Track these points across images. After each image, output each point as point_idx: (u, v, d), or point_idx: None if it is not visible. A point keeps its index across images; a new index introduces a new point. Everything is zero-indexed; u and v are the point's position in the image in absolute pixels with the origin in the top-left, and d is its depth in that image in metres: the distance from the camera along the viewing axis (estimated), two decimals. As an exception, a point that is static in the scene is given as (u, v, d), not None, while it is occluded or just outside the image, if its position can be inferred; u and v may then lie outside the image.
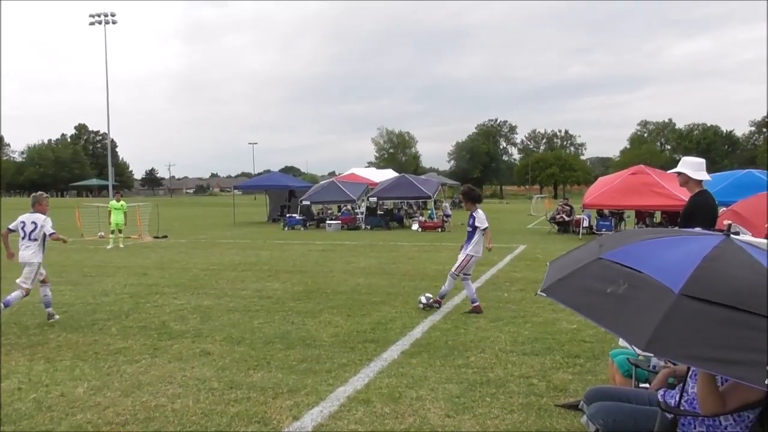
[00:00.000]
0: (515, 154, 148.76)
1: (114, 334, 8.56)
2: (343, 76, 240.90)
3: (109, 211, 22.67)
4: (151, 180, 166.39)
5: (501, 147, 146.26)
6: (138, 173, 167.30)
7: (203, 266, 15.66)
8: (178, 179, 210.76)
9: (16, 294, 8.75)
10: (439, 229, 29.13)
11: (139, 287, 12.43)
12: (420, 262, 16.45)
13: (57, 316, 9.39)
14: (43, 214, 9.17)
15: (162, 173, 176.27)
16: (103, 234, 26.70)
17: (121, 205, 23.06)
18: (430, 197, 31.77)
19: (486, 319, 9.26)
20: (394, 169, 58.87)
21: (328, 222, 31.15)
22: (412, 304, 10.26)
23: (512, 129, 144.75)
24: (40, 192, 9.60)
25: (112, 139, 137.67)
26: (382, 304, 10.42)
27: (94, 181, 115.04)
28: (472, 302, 9.59)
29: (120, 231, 22.59)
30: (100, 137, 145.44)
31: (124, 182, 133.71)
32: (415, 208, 38.84)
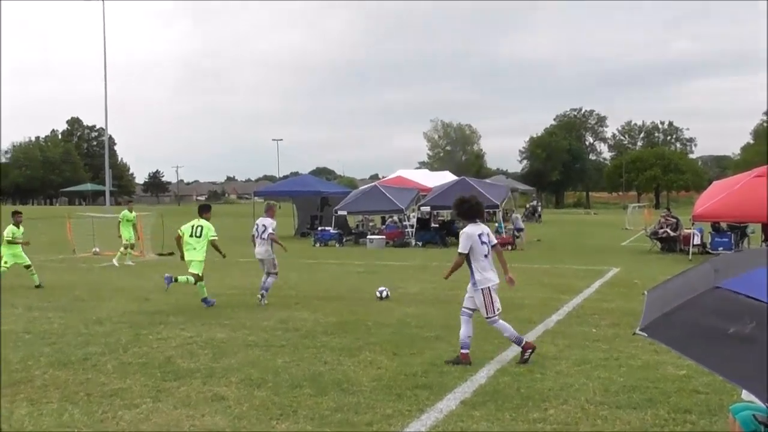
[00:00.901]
0: (605, 152, 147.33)
1: (110, 371, 8.75)
2: (385, 58, 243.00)
3: (119, 223, 23.34)
4: (156, 185, 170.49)
5: (586, 143, 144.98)
6: (140, 177, 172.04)
7: (217, 290, 15.92)
8: (188, 184, 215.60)
9: (270, 280, 14.03)
10: (509, 247, 28.97)
11: (139, 315, 12.69)
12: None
13: (265, 302, 13.76)
14: (272, 218, 14.18)
15: (168, 177, 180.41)
16: (98, 250, 27.42)
17: (133, 216, 23.76)
18: (497, 206, 31.62)
19: (569, 361, 9.13)
20: (451, 171, 59.00)
21: (369, 237, 31.35)
22: (474, 341, 10.21)
23: (600, 121, 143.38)
24: (273, 201, 14.96)
25: (110, 136, 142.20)
26: (436, 341, 10.39)
27: (88, 186, 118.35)
28: (462, 348, 8.97)
29: (132, 246, 23.29)
30: (96, 133, 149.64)
31: (123, 187, 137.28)
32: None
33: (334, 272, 19.97)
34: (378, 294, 14.75)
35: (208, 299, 13.83)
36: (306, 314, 12.68)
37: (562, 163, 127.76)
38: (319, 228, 33.82)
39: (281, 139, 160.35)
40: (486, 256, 8.91)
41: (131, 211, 23.70)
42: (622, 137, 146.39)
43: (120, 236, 23.30)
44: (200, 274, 13.79)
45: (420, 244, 31.00)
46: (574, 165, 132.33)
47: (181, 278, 13.58)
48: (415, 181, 43.00)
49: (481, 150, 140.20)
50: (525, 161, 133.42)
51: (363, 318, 12.20)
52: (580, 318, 12.16)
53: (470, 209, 9.07)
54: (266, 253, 14.03)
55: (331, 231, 32.68)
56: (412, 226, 32.89)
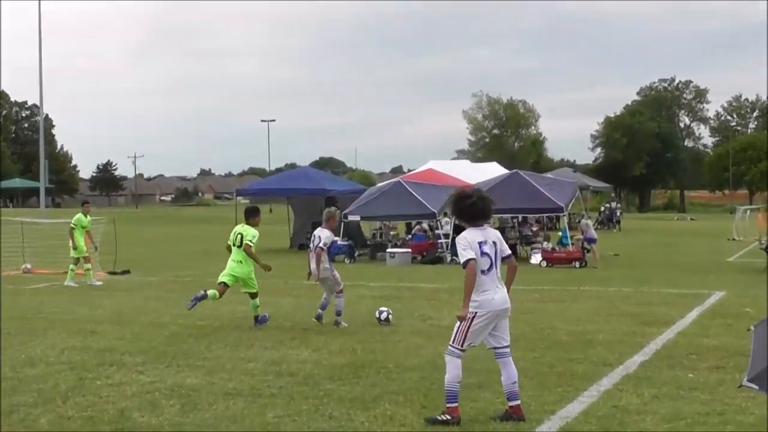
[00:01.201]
0: (705, 137, 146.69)
1: (44, 427, 8.79)
2: (413, 11, 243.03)
3: (71, 230, 23.39)
4: (106, 181, 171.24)
5: (681, 125, 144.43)
6: (86, 170, 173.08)
7: (186, 321, 15.95)
8: (149, 180, 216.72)
9: (341, 301, 15.80)
10: (576, 263, 28.87)
11: (84, 353, 12.75)
12: (543, 318, 16.41)
13: (344, 325, 15.37)
14: (331, 230, 16.23)
15: (123, 170, 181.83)
16: (29, 267, 27.61)
17: (89, 222, 23.86)
18: (561, 210, 31.53)
19: (656, 417, 9.06)
20: (500, 163, 58.80)
21: (389, 251, 31.39)
22: (530, 390, 10.16)
23: (700, 95, 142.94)
24: (334, 208, 16.89)
25: (47, 116, 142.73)
26: (479, 389, 10.37)
27: (17, 182, 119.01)
28: (448, 400, 8.83)
29: (87, 260, 23.42)
30: (28, 112, 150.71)
31: (63, 184, 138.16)
32: (535, 229, 38.66)
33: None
34: (377, 315, 15.69)
35: (262, 316, 15.81)
36: (305, 353, 12.68)
37: (648, 152, 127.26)
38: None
39: (273, 120, 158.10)
40: (486, 271, 8.86)
41: (87, 216, 23.80)
42: (728, 117, 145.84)
43: (76, 248, 23.25)
44: (257, 290, 15.81)
45: (457, 259, 31.00)
46: (665, 154, 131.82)
47: (255, 311, 15.82)
48: (451, 176, 42.75)
49: (540, 135, 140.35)
50: (598, 150, 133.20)
51: (381, 359, 12.19)
52: (672, 359, 12.09)
53: (470, 208, 8.96)
54: (325, 270, 15.74)
55: (340, 242, 32.68)
56: (446, 236, 32.87)
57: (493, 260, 8.89)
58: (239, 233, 15.76)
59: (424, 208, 32.45)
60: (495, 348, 9.05)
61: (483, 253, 8.82)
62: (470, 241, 8.81)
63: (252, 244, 15.58)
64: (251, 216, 16.11)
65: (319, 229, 16.19)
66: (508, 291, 9.10)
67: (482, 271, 8.79)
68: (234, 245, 15.77)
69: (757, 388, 3.89)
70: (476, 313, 8.82)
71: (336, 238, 16.19)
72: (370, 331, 14.90)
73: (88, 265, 23.48)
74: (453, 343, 8.93)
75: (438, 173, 43.17)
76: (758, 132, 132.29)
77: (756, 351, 4.22)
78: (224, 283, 15.57)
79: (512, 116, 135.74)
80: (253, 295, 15.84)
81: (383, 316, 15.57)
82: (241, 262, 15.68)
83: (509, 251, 9.18)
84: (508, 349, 9.07)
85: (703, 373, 11.16)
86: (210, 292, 15.30)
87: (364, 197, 34.80)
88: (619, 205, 65.44)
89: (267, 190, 44.10)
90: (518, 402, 8.91)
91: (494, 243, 8.92)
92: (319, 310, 15.90)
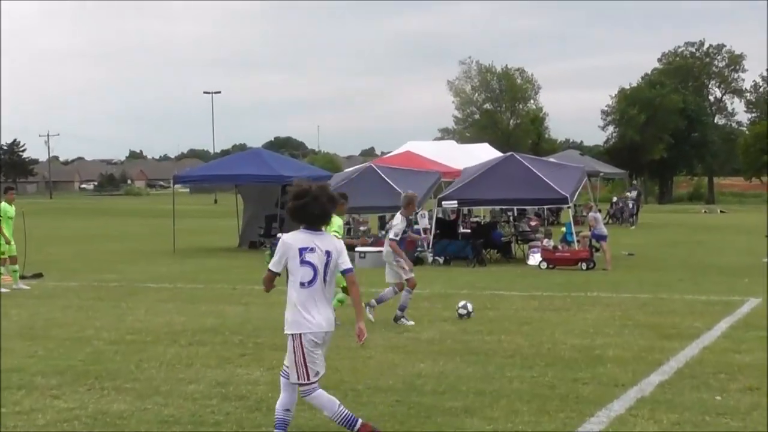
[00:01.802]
0: (740, 112, 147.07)
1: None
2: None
3: None
4: (12, 165, 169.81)
5: (711, 98, 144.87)
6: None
7: (113, 335, 15.94)
8: (66, 164, 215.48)
9: (406, 295, 17.78)
10: (583, 265, 28.99)
11: (-12, 374, 12.68)
12: (542, 330, 16.52)
13: (410, 322, 17.33)
14: (405, 216, 17.94)
15: (34, 151, 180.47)
16: None
17: (13, 211, 23.73)
18: (565, 201, 31.65)
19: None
20: (492, 144, 59.00)
21: (359, 250, 31.36)
22: (527, 416, 10.24)
23: (734, 62, 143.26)
24: (412, 193, 18.40)
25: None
26: (466, 415, 10.43)
27: None
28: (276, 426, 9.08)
29: (12, 260, 23.40)
30: None
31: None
32: (534, 223, 38.80)
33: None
34: (460, 310, 17.94)
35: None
36: (257, 372, 12.71)
37: (671, 132, 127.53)
38: (280, 235, 33.79)
39: (218, 92, 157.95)
40: (307, 284, 8.89)
41: (11, 204, 23.68)
42: None
43: (9, 242, 23.25)
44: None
45: (440, 260, 31.06)
46: (690, 134, 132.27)
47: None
48: (433, 160, 42.98)
49: (541, 110, 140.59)
50: (610, 128, 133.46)
51: (349, 379, 12.25)
52: (697, 378, 12.18)
53: (300, 211, 8.96)
54: (388, 255, 18.06)
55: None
56: (427, 231, 32.92)
57: (319, 272, 8.87)
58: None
59: (396, 198, 32.41)
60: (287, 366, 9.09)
61: (304, 262, 8.84)
62: (289, 246, 8.92)
63: (339, 236, 15.61)
64: (341, 200, 16.75)
65: (397, 215, 18.33)
66: (358, 310, 9.50)
67: (302, 284, 8.85)
68: None
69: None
70: (300, 335, 8.88)
71: (410, 227, 17.55)
72: (334, 345, 14.93)
73: (15, 267, 23.60)
74: (298, 380, 9.01)
75: (417, 157, 43.29)
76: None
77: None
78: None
79: (507, 88, 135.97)
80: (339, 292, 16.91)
81: (466, 310, 17.80)
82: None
83: (348, 265, 9.19)
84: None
85: (734, 395, 11.25)
86: (339, 301, 16.65)
87: (330, 186, 34.83)
88: (641, 194, 65.11)
89: (211, 177, 43.96)
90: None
91: (327, 252, 8.92)
92: (397, 311, 17.73)
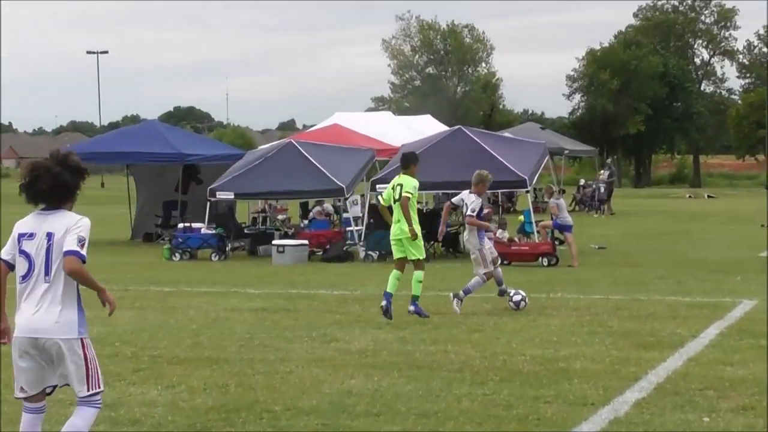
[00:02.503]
0: (732, 79, 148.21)
1: None
2: None
3: None
4: None
5: (697, 61, 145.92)
6: None
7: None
8: None
9: (475, 282, 19.63)
10: (544, 260, 29.14)
11: None
12: (497, 338, 16.60)
13: (457, 308, 19.29)
14: (477, 195, 20.13)
15: None
16: None
17: None
18: (523, 184, 31.75)
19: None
20: (436, 116, 59.00)
21: (276, 243, 31.30)
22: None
23: (724, 18, 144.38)
24: (485, 171, 20.58)
25: None
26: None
27: None
28: None
29: None
30: None
31: None
32: (487, 211, 38.90)
33: (209, 311, 20.01)
34: (513, 301, 19.66)
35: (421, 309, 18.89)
36: (154, 392, 12.65)
37: (650, 101, 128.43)
38: (181, 225, 33.69)
39: (105, 52, 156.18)
40: (23, 279, 8.59)
41: None
42: (766, 49, 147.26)
43: None
44: (423, 257, 19.13)
45: (374, 255, 31.07)
46: (672, 104, 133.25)
47: (414, 289, 18.92)
48: (366, 135, 42.89)
49: (495, 75, 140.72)
50: (577, 97, 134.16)
51: (265, 398, 12.23)
52: (681, 396, 12.28)
53: (31, 183, 8.56)
54: (471, 244, 20.00)
55: (205, 230, 32.57)
56: (359, 219, 32.94)
57: (36, 264, 8.56)
58: (399, 185, 18.87)
59: (326, 182, 32.42)
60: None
61: (21, 252, 8.60)
62: (13, 233, 8.69)
63: (411, 195, 18.62)
64: (410, 162, 19.67)
65: (466, 193, 20.14)
66: (99, 290, 8.72)
67: (20, 278, 8.59)
68: (394, 201, 18.86)
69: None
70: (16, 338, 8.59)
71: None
72: (248, 358, 14.90)
73: None
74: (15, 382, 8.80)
75: (347, 131, 43.15)
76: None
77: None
78: (400, 258, 19.08)
79: (454, 48, 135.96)
80: (418, 265, 18.87)
81: (521, 301, 19.53)
82: (399, 221, 18.75)
83: (72, 246, 8.46)
84: (87, 399, 8.68)
85: (725, 416, 11.35)
86: (390, 283, 18.72)
87: (239, 166, 34.61)
88: (614, 176, 64.63)
89: (96, 155, 43.20)
90: None
91: (48, 235, 8.54)
92: (498, 288, 20.28)
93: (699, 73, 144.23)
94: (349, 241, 32.05)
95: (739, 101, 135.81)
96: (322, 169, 32.51)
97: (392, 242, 19.10)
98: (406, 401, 12.01)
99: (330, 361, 14.63)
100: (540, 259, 29.13)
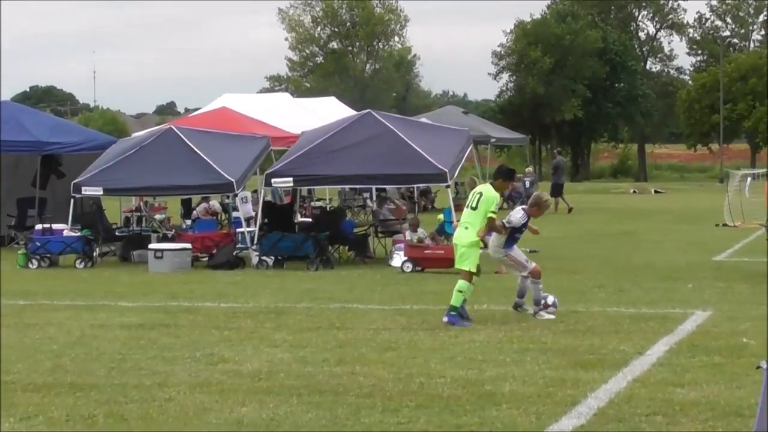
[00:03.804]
0: (681, 55, 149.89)
1: None
2: None
3: None
4: None
5: (642, 35, 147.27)
6: None
7: None
8: None
9: (528, 284, 20.82)
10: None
11: None
12: (413, 357, 16.62)
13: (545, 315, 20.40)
14: (526, 215, 21.16)
15: None
16: None
17: None
18: (443, 177, 31.82)
19: None
20: (342, 99, 59.08)
21: (154, 247, 31.11)
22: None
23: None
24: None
25: None
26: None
27: None
28: None
29: None
30: None
31: None
32: (403, 208, 38.98)
33: (73, 329, 19.77)
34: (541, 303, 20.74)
35: (463, 318, 19.88)
36: (5, 425, 12.47)
37: (588, 81, 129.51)
38: (39, 226, 33.35)
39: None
40: None
41: None
42: (719, 23, 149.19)
43: None
44: (473, 270, 20.07)
45: (269, 261, 30.97)
46: (614, 85, 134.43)
47: (454, 299, 19.90)
48: (260, 120, 42.78)
49: (410, 51, 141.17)
50: (505, 77, 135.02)
51: (143, 430, 12.18)
52: (625, 422, 12.36)
53: None
54: (494, 251, 21.31)
55: (68, 232, 32.28)
56: (250, 220, 32.85)
57: None
58: (479, 193, 20.31)
59: (213, 175, 32.25)
60: None
61: None
62: None
63: (495, 215, 20.13)
64: (504, 177, 21.62)
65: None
66: None
67: None
68: (469, 206, 20.34)
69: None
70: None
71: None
72: (119, 383, 14.77)
73: None
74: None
75: (237, 115, 43.09)
76: (766, 47, 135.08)
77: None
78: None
79: (362, 20, 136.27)
80: (467, 277, 19.95)
81: (551, 306, 20.68)
82: (467, 227, 20.24)
83: None
84: None
85: (676, 444, 11.46)
86: (459, 291, 19.80)
87: (110, 156, 34.33)
88: (558, 168, 63.77)
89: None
90: None
91: None
92: (516, 299, 21.10)
93: (644, 49, 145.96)
94: (239, 245, 31.90)
95: (690, 82, 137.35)
96: (208, 160, 32.33)
97: (458, 250, 20.53)
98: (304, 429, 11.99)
99: (217, 386, 14.53)
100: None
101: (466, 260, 19.99)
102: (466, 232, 20.10)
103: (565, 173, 69.24)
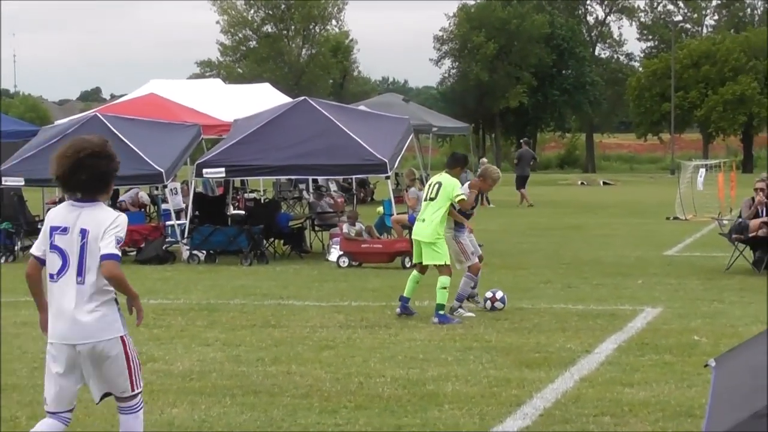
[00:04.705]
0: (631, 41, 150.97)
1: None
2: None
3: None
4: None
5: (590, 20, 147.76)
6: None
7: None
8: None
9: (464, 282, 20.68)
10: (407, 260, 29.26)
11: None
12: (351, 356, 16.70)
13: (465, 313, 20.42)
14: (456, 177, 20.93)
15: None
16: None
17: None
18: (383, 168, 31.86)
19: None
20: (276, 85, 59.02)
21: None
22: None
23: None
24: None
25: None
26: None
27: None
28: None
29: None
30: None
31: None
32: (340, 200, 39.00)
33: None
34: (486, 302, 20.95)
35: (447, 315, 20.03)
36: None
37: (534, 68, 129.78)
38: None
39: None
40: (56, 275, 9.34)
41: None
42: (671, 8, 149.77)
43: None
44: (448, 262, 20.27)
45: (201, 255, 30.93)
46: (561, 72, 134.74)
47: (439, 297, 20.03)
48: (190, 107, 42.68)
49: (348, 36, 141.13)
50: (447, 63, 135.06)
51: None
52: (572, 423, 12.49)
53: (74, 171, 9.34)
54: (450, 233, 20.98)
55: (-13, 226, 32.16)
56: (182, 211, 32.80)
57: (70, 261, 9.27)
58: (437, 183, 20.56)
59: (141, 165, 32.09)
60: (116, 398, 9.64)
61: (53, 247, 9.31)
62: (46, 224, 9.51)
63: (462, 196, 20.35)
64: (457, 164, 21.41)
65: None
66: (132, 296, 9.36)
67: (51, 276, 9.32)
68: (428, 199, 20.50)
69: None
70: (48, 343, 9.44)
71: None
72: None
73: None
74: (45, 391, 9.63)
75: (166, 102, 42.95)
76: (718, 34, 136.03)
77: (717, 397, 4.47)
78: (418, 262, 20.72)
79: (298, 2, 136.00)
80: (447, 272, 20.20)
81: (497, 300, 21.00)
82: (423, 219, 20.40)
83: (109, 249, 9.28)
84: (127, 404, 9.60)
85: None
86: (443, 288, 20.04)
87: (31, 145, 34.18)
88: (522, 159, 63.47)
89: None
90: None
91: (82, 232, 9.26)
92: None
93: (592, 34, 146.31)
94: (169, 238, 31.83)
95: (640, 69, 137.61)
96: (136, 149, 32.16)
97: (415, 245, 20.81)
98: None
99: (146, 387, 14.40)
100: (399, 258, 29.16)
101: (437, 255, 20.19)
102: (423, 225, 20.29)
103: (503, 164, 69.25)
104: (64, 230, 9.19)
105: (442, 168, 22.11)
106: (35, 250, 9.34)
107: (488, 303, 20.78)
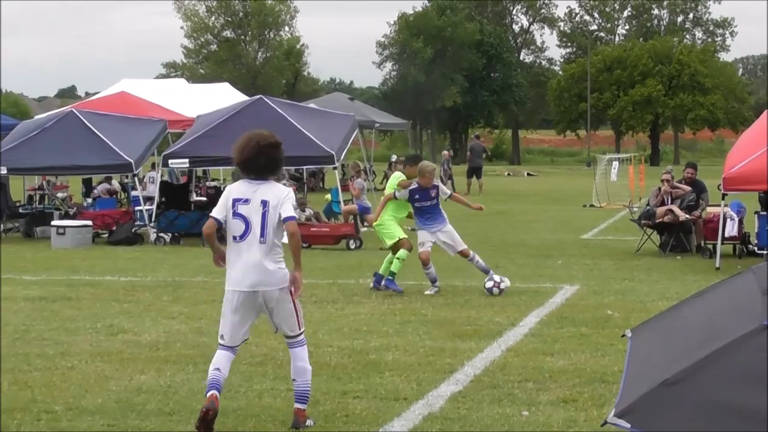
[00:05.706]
0: (552, 47, 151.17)
1: None
2: None
3: None
4: None
5: (515, 27, 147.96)
6: None
7: None
8: None
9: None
10: (351, 242, 29.20)
11: None
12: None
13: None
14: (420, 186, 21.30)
15: None
16: None
17: None
18: (330, 159, 31.79)
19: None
20: (235, 85, 58.80)
21: (56, 224, 30.79)
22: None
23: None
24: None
25: None
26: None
27: None
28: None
29: None
30: None
31: None
32: (294, 188, 38.85)
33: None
34: (490, 286, 20.33)
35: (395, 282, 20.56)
36: None
37: (466, 71, 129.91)
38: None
39: None
40: (239, 238, 10.79)
41: None
42: (587, 17, 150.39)
43: None
44: (402, 236, 21.19)
45: (167, 237, 30.77)
46: (490, 75, 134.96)
47: (393, 266, 20.72)
48: (157, 104, 42.50)
49: (299, 41, 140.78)
50: (389, 65, 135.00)
51: (43, 397, 12.06)
52: (499, 389, 12.46)
53: (242, 155, 11.15)
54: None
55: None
56: (150, 201, 32.58)
57: (252, 225, 10.72)
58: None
59: (113, 156, 31.93)
60: (285, 336, 11.20)
61: (236, 214, 10.75)
62: (226, 197, 10.95)
63: (398, 189, 21.01)
64: (411, 163, 21.83)
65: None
66: (295, 262, 10.81)
67: (234, 238, 10.77)
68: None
69: (628, 426, 4.05)
70: (226, 290, 10.86)
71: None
72: (23, 353, 14.62)
73: None
74: (220, 329, 11.09)
75: (136, 99, 42.75)
76: (629, 41, 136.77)
77: (631, 369, 4.42)
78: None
79: (254, 10, 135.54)
80: (406, 245, 21.01)
81: (500, 286, 20.38)
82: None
83: (289, 213, 10.82)
84: (296, 339, 11.17)
85: (545, 409, 11.54)
86: (399, 259, 20.69)
87: (13, 137, 33.88)
88: (471, 152, 63.38)
89: None
90: (300, 406, 10.82)
91: (263, 203, 10.73)
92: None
93: (518, 41, 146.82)
94: (138, 222, 31.64)
95: (560, 72, 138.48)
96: (108, 141, 32.00)
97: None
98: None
99: (117, 355, 14.45)
100: (343, 240, 29.17)
101: (388, 234, 21.31)
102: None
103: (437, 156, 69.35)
104: (246, 201, 10.73)
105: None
106: (215, 213, 10.80)
107: (495, 289, 20.24)
